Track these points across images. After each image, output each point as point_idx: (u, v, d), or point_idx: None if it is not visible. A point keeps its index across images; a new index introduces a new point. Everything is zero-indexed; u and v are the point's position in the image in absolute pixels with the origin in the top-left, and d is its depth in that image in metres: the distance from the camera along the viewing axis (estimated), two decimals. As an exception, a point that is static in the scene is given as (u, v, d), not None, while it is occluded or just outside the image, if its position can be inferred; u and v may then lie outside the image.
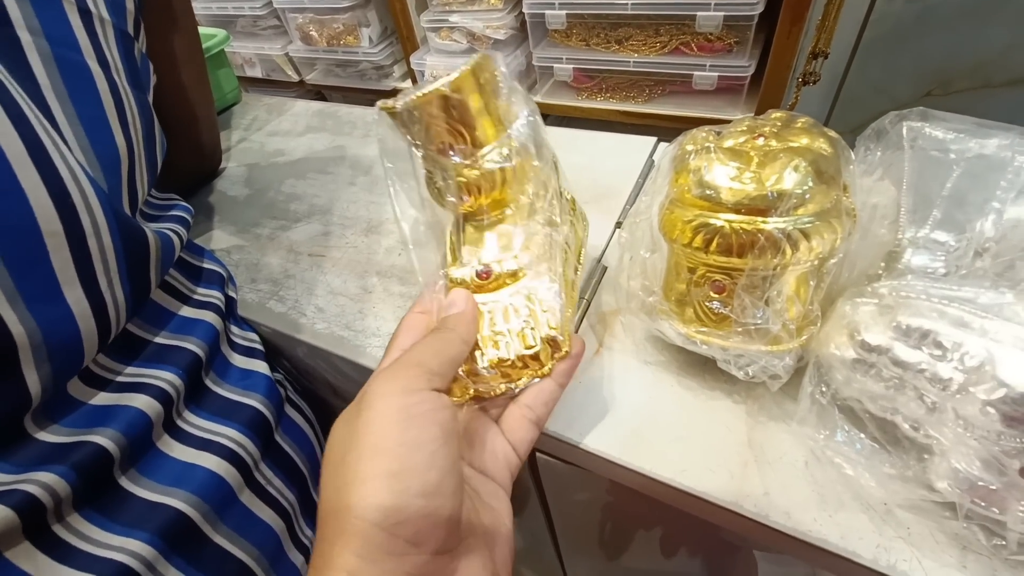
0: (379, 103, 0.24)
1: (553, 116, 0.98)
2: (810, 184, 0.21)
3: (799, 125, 0.26)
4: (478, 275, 0.25)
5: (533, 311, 0.24)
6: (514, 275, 0.25)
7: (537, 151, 0.25)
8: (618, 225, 0.38)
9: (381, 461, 0.17)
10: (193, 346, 0.30)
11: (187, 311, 0.32)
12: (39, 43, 0.24)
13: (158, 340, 0.29)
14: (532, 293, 0.24)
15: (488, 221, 0.27)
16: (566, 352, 0.24)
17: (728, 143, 0.25)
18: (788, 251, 0.22)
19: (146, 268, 0.27)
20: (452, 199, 0.25)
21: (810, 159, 0.22)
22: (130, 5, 0.29)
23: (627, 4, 0.75)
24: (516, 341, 0.23)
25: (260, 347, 0.36)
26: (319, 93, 1.27)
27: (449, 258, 0.27)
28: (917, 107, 0.30)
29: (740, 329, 0.24)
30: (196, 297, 0.33)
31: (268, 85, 1.27)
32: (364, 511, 0.16)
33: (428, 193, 0.26)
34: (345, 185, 0.49)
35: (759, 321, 0.23)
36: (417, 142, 0.24)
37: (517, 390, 0.24)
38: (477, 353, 0.23)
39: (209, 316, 0.32)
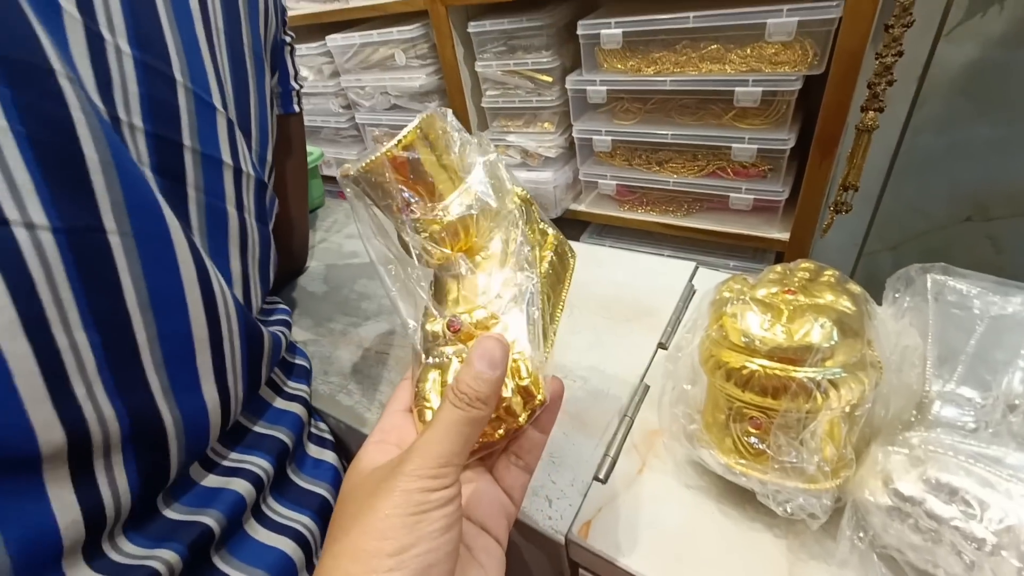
0: (339, 171, 0.25)
1: (595, 224, 1.05)
2: (835, 340, 0.24)
3: (825, 279, 0.29)
4: (449, 327, 0.25)
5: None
6: (485, 324, 0.25)
7: (498, 196, 0.26)
8: (661, 346, 0.41)
9: (383, 544, 0.18)
10: (283, 435, 0.34)
11: (280, 403, 0.36)
12: (199, 196, 0.30)
13: (256, 428, 0.34)
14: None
15: (461, 271, 0.26)
16: (540, 401, 0.23)
17: (761, 292, 0.28)
18: (819, 398, 0.24)
19: (260, 365, 0.32)
20: (419, 253, 0.25)
21: (834, 317, 0.25)
22: (269, 157, 0.37)
23: (667, 134, 0.83)
24: None
25: (330, 437, 0.39)
26: (384, 191, 1.42)
27: (425, 316, 0.26)
28: (939, 263, 0.33)
29: (777, 466, 0.25)
30: (287, 390, 0.38)
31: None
32: None
33: (400, 252, 0.26)
34: (410, 288, 0.54)
35: (794, 460, 0.25)
36: (380, 203, 0.25)
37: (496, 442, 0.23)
38: None
39: (297, 408, 0.37)
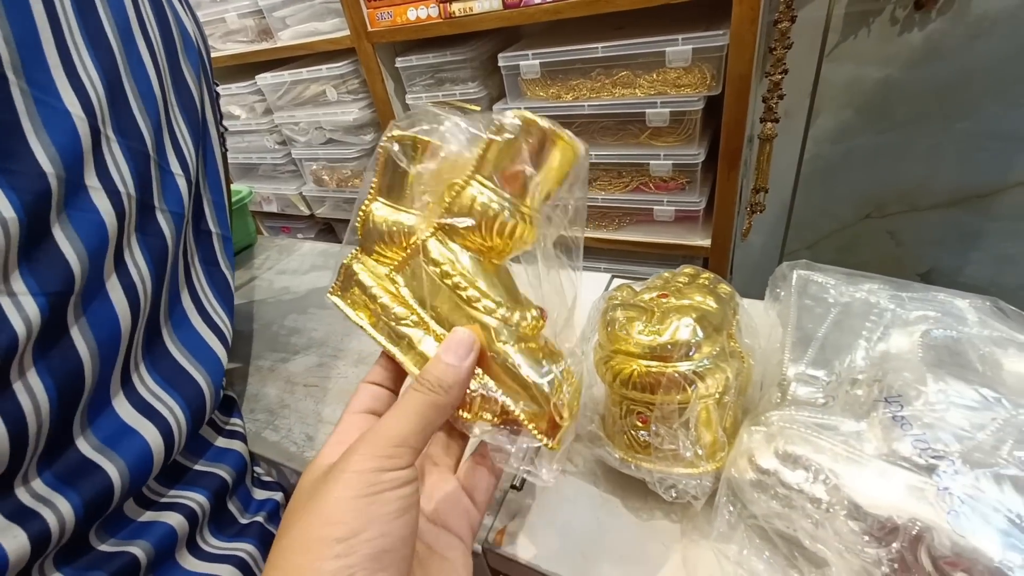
0: (465, 110, 0.24)
1: (535, 242, 1.09)
2: (699, 336, 0.27)
3: (700, 281, 0.32)
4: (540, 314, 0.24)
5: (567, 372, 0.23)
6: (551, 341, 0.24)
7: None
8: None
9: (332, 529, 0.17)
10: (223, 472, 0.35)
11: (221, 441, 0.37)
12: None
13: (196, 467, 0.35)
14: (567, 354, 0.24)
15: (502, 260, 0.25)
16: (563, 427, 0.22)
17: (645, 297, 0.31)
18: (688, 389, 0.27)
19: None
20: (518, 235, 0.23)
21: (696, 316, 0.28)
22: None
23: (592, 156, 0.88)
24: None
25: (273, 479, 0.40)
26: (327, 224, 1.41)
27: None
28: (803, 259, 0.38)
29: (660, 455, 0.28)
30: (227, 427, 0.38)
31: (282, 218, 1.41)
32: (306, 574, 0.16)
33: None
34: (341, 319, 0.55)
35: (674, 447, 0.27)
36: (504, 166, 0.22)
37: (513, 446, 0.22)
38: (507, 393, 0.22)
39: (238, 445, 0.37)
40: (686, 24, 0.77)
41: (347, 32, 0.95)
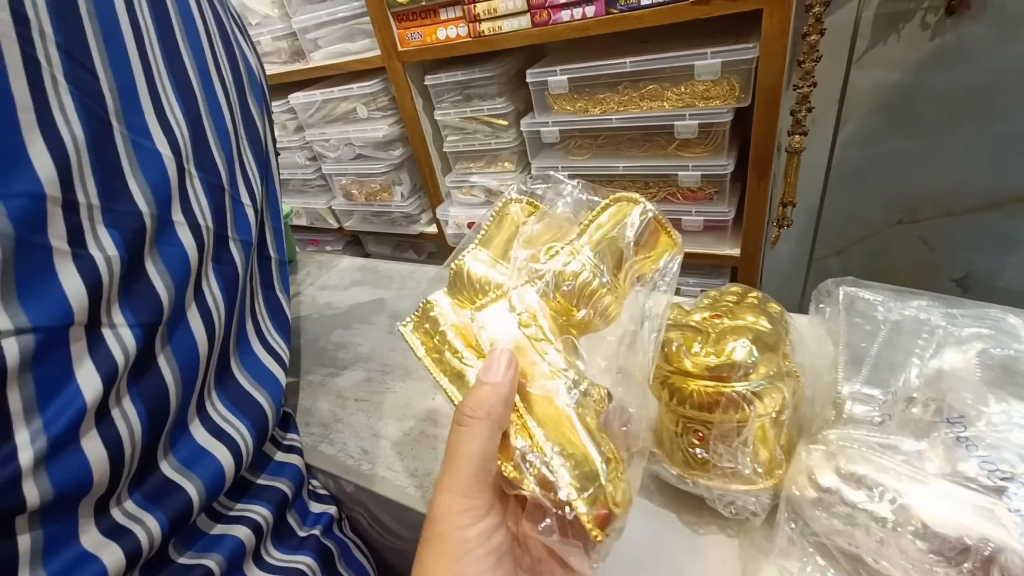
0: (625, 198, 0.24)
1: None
2: (755, 356, 0.28)
3: (749, 301, 0.33)
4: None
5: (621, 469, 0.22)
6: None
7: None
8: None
9: None
10: (283, 486, 0.37)
11: (280, 455, 0.39)
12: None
13: (259, 481, 0.37)
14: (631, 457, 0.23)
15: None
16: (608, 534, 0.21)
17: (695, 318, 0.32)
18: (747, 408, 0.28)
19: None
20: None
21: (752, 336, 0.29)
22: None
23: (619, 167, 0.89)
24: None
25: (326, 492, 0.42)
26: (354, 236, 1.45)
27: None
28: (850, 277, 0.38)
29: (719, 472, 0.29)
30: (285, 442, 0.40)
31: (311, 231, 1.45)
32: None
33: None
34: (384, 334, 0.57)
35: (732, 465, 0.28)
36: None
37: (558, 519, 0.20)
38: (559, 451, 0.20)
39: (295, 459, 0.39)
40: (711, 36, 0.77)
41: (378, 52, 0.98)
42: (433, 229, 1.22)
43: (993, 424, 0.24)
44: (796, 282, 1.22)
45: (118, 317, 0.26)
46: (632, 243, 0.23)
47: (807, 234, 1.14)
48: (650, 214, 0.23)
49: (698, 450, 0.30)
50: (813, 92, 0.77)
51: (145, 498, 0.28)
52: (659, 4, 0.72)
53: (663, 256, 0.25)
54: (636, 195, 0.24)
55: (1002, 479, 0.22)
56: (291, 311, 0.65)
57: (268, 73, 1.19)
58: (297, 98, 1.14)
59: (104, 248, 0.25)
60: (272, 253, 0.44)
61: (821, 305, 0.39)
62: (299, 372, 0.54)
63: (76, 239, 0.24)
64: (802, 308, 0.40)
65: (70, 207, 0.24)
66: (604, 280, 0.23)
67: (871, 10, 0.85)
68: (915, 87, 0.90)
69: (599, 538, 0.20)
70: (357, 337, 0.57)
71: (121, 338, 0.26)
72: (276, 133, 1.28)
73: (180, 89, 0.32)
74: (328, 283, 0.70)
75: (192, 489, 0.30)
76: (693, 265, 0.98)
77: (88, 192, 0.25)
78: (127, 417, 0.27)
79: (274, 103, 1.18)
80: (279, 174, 0.50)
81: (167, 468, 0.30)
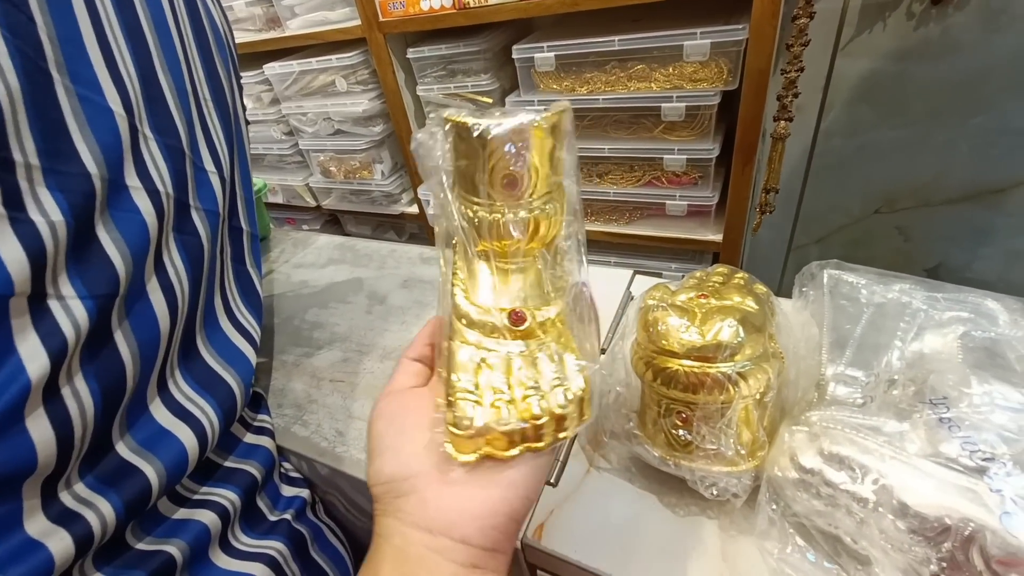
0: (447, 116, 0.22)
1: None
2: (741, 337, 0.27)
3: (735, 281, 0.33)
4: (511, 318, 0.23)
5: (563, 367, 0.22)
6: (543, 327, 0.23)
7: (575, 207, 0.25)
8: (603, 351, 0.44)
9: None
10: (253, 469, 0.36)
11: (249, 437, 0.37)
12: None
13: (226, 464, 0.35)
14: (561, 351, 0.23)
15: (509, 265, 0.24)
16: (587, 419, 0.22)
17: (681, 298, 0.31)
18: (731, 389, 0.27)
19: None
20: (497, 236, 0.23)
21: (739, 316, 0.28)
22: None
23: (604, 148, 0.88)
24: (550, 398, 0.21)
25: (298, 475, 0.40)
26: (332, 215, 1.41)
27: (462, 299, 0.24)
28: (834, 259, 0.38)
29: (702, 453, 0.28)
30: (255, 424, 0.38)
31: (288, 209, 1.41)
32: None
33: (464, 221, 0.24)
34: (362, 314, 0.55)
35: (716, 446, 0.28)
36: (481, 166, 0.22)
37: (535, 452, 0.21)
38: (502, 406, 0.21)
39: (266, 441, 0.38)
40: (701, 17, 0.76)
41: (358, 22, 0.94)
42: (415, 209, 1.20)
43: (975, 405, 0.24)
44: (775, 269, 1.23)
45: (66, 288, 0.24)
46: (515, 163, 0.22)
47: (788, 222, 1.15)
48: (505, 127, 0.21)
49: (681, 431, 0.29)
50: (800, 77, 0.76)
51: (98, 480, 0.26)
52: (650, -20, 0.70)
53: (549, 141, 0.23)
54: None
55: (983, 460, 0.22)
56: (264, 289, 0.62)
57: (241, 41, 1.13)
58: (272, 68, 1.09)
59: (47, 212, 0.23)
60: (244, 225, 0.41)
61: (804, 288, 0.38)
62: (272, 352, 0.52)
63: (13, 202, 0.22)
64: (781, 294, 0.39)
65: (5, 166, 0.22)
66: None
67: (859, -2, 0.85)
68: (899, 77, 0.91)
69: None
70: (334, 316, 0.56)
71: (71, 310, 0.24)
72: (251, 105, 1.22)
73: (133, 42, 0.29)
74: (304, 261, 0.68)
75: (151, 471, 0.29)
76: (675, 250, 0.98)
77: (26, 150, 0.22)
78: (78, 395, 0.25)
79: (248, 73, 1.13)
80: (249, 144, 0.48)
81: (123, 449, 0.28)
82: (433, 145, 0.23)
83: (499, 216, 0.23)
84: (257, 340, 0.40)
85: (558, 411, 0.21)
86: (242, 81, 1.20)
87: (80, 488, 0.26)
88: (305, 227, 1.44)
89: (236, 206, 0.40)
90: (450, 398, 0.21)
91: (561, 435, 0.21)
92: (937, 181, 0.99)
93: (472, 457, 0.21)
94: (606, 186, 0.94)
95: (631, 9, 0.75)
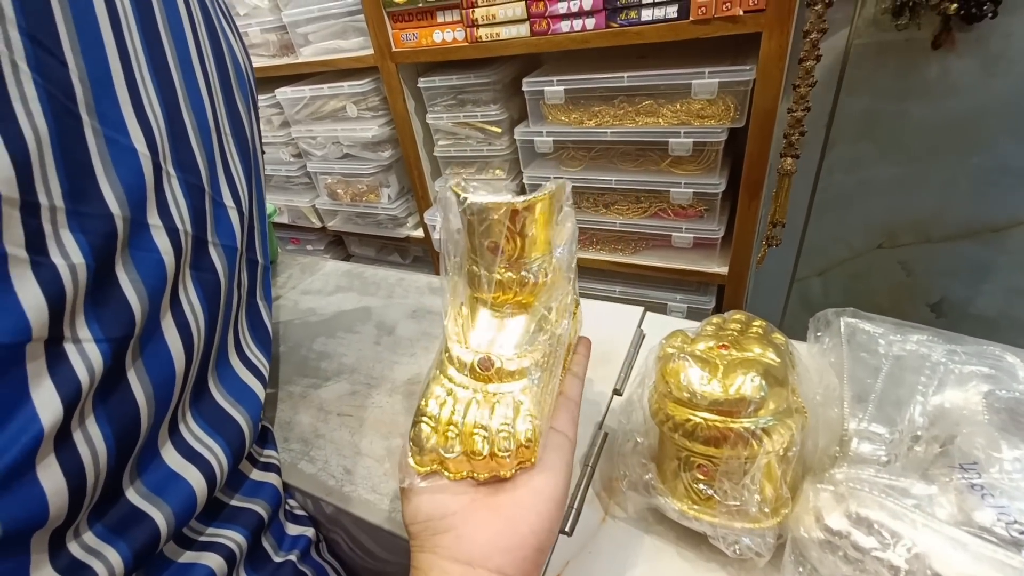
0: (453, 185, 0.27)
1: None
2: (765, 391, 0.27)
3: (753, 331, 0.33)
4: (480, 363, 0.26)
5: (516, 416, 0.25)
6: (511, 375, 0.26)
7: (567, 273, 0.29)
8: (616, 392, 0.43)
9: None
10: (259, 508, 0.35)
11: (256, 474, 0.36)
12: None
13: (233, 503, 0.34)
14: (521, 398, 0.25)
15: (504, 313, 0.28)
16: (532, 464, 0.25)
17: (700, 347, 0.31)
18: (755, 445, 0.27)
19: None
20: (485, 289, 0.27)
21: (762, 370, 0.28)
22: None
23: (611, 180, 0.89)
24: (495, 439, 0.24)
25: (303, 512, 0.39)
26: (337, 236, 1.41)
27: (454, 335, 0.28)
28: (850, 307, 0.38)
29: (724, 509, 0.28)
30: (262, 459, 0.37)
31: (292, 229, 1.41)
32: None
33: (462, 271, 0.29)
34: (371, 344, 0.55)
35: (738, 503, 0.27)
36: (476, 231, 0.26)
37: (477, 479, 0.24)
38: (452, 437, 0.24)
39: (272, 478, 0.37)
40: (706, 56, 0.78)
41: (371, 51, 0.95)
42: (420, 233, 1.20)
43: (1007, 472, 0.23)
44: (778, 301, 1.23)
45: (83, 331, 0.24)
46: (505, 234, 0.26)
47: (791, 255, 1.16)
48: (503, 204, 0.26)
49: (702, 485, 0.29)
50: (806, 117, 0.78)
51: (107, 529, 0.26)
52: (659, 21, 0.72)
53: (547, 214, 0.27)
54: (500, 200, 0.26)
55: (1020, 532, 0.21)
56: (272, 317, 0.62)
57: (255, 66, 1.16)
58: (284, 93, 1.11)
59: (68, 255, 0.23)
60: (259, 258, 0.41)
61: (819, 334, 0.38)
62: (278, 382, 0.51)
63: (36, 245, 0.22)
64: (783, 327, 0.39)
65: (29, 210, 0.21)
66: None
67: (862, 39, 0.87)
68: (901, 116, 0.92)
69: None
70: (341, 346, 0.55)
71: (86, 354, 0.24)
72: (261, 127, 1.24)
73: (159, 80, 0.29)
74: (311, 287, 0.68)
75: (160, 517, 0.28)
76: (681, 282, 0.98)
77: (51, 193, 0.22)
78: (91, 441, 0.24)
79: (261, 97, 1.15)
80: (264, 174, 0.48)
81: (133, 495, 0.27)
82: (451, 204, 0.27)
83: (487, 274, 0.27)
84: (266, 375, 0.39)
85: (498, 452, 0.24)
86: (258, 109, 1.22)
87: (89, 537, 0.25)
88: (309, 247, 1.44)
89: (253, 239, 0.40)
90: (416, 418, 0.25)
91: (503, 472, 0.24)
92: (937, 218, 1.01)
93: (428, 469, 0.25)
94: (612, 216, 0.95)
95: (639, 46, 0.77)
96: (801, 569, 0.26)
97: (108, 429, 0.25)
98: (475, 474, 0.24)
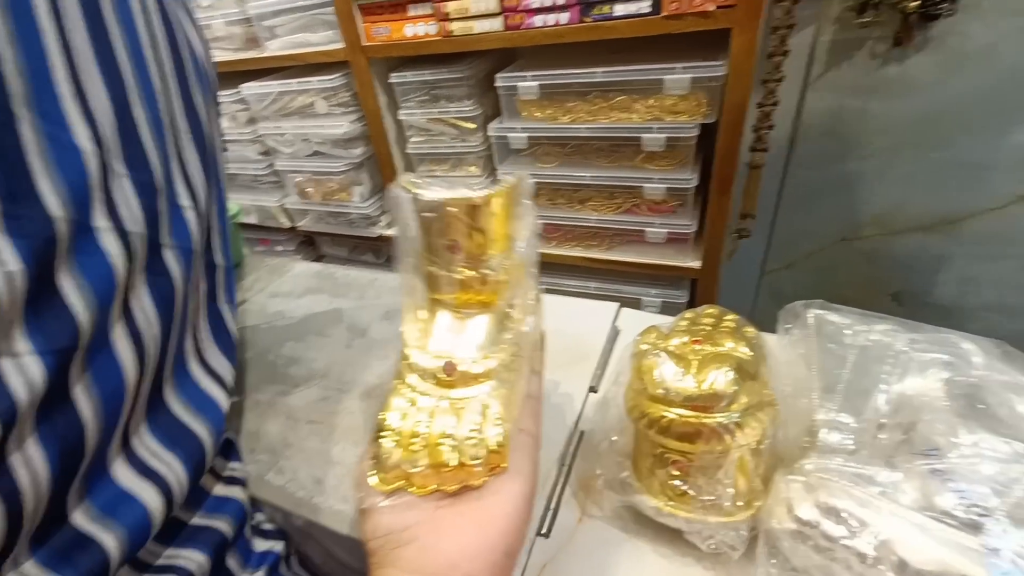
0: (404, 183, 0.25)
1: (526, 260, 1.09)
2: (737, 386, 0.27)
3: (725, 325, 0.33)
4: (444, 367, 0.25)
5: (485, 421, 0.24)
6: (476, 378, 0.25)
7: (529, 269, 0.28)
8: (592, 389, 0.43)
9: None
10: (223, 524, 0.33)
11: (219, 489, 0.34)
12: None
13: (193, 521, 0.32)
14: (489, 401, 0.25)
15: (465, 314, 0.27)
16: (503, 469, 0.24)
17: (674, 342, 0.31)
18: (728, 439, 0.27)
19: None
20: (444, 290, 0.26)
21: (735, 364, 0.28)
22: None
23: (586, 176, 0.89)
24: (464, 447, 0.23)
25: (271, 527, 0.38)
26: (308, 237, 1.38)
27: (413, 341, 0.27)
28: (818, 299, 0.38)
29: (699, 504, 0.28)
30: (226, 473, 0.35)
31: (262, 230, 1.37)
32: None
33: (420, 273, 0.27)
34: (342, 348, 0.53)
35: (712, 497, 0.27)
36: (432, 229, 0.25)
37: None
38: (417, 449, 0.23)
39: (237, 492, 0.35)
40: (679, 52, 0.78)
41: (341, 45, 0.93)
42: (393, 232, 1.18)
43: (965, 456, 0.24)
44: (749, 293, 1.26)
45: (21, 344, 0.22)
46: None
47: (760, 248, 1.19)
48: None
49: (677, 481, 0.29)
50: (774, 111, 0.79)
51: (51, 556, 0.24)
52: (632, 16, 0.72)
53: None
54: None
55: (979, 515, 0.22)
56: (237, 321, 0.60)
57: (218, 60, 1.11)
58: (250, 88, 1.07)
59: (4, 262, 0.21)
60: (219, 260, 0.39)
61: (788, 326, 0.39)
62: (244, 390, 0.49)
63: None
64: (754, 319, 0.40)
65: None
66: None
67: (827, 36, 0.89)
68: (864, 113, 0.95)
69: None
70: (312, 351, 0.54)
71: (24, 368, 0.22)
72: (225, 124, 1.20)
73: (107, 72, 0.28)
74: (280, 290, 0.66)
75: (111, 542, 0.26)
76: (655, 276, 0.99)
77: None
78: (30, 464, 0.22)
79: (224, 92, 1.11)
80: (225, 171, 0.46)
81: (80, 519, 0.25)
82: (403, 203, 0.26)
83: (447, 274, 0.26)
84: (229, 383, 0.38)
85: (468, 461, 0.23)
86: (219, 104, 1.17)
87: (30, 566, 0.23)
88: (279, 248, 1.40)
89: (212, 240, 0.39)
90: (376, 434, 0.24)
91: (473, 482, 0.23)
92: (898, 211, 1.04)
93: (392, 487, 0.23)
94: (586, 212, 0.95)
95: (612, 42, 0.77)
96: (774, 560, 0.26)
97: (52, 449, 0.23)
98: (443, 486, 0.23)
